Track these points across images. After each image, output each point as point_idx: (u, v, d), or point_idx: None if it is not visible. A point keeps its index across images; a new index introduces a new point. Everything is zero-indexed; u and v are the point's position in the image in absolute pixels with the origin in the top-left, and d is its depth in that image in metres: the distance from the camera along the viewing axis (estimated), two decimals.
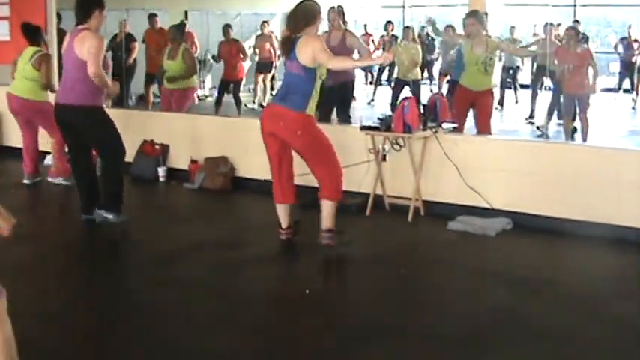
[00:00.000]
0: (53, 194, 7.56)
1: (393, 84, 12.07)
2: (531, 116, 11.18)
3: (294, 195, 5.54)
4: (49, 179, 7.71)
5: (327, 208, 5.37)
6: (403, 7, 14.81)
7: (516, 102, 12.59)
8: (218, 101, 11.29)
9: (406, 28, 11.93)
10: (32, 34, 7.45)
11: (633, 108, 12.36)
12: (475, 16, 7.41)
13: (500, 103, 12.08)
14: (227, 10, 12.30)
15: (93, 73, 5.72)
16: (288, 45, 5.23)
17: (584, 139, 8.95)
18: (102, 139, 6.08)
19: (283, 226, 5.56)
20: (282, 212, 5.54)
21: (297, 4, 5.30)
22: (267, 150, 5.43)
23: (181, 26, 9.43)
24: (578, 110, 9.16)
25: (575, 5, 13.08)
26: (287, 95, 5.26)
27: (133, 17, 11.25)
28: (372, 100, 14.00)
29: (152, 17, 11.17)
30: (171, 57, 8.89)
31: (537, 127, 10.29)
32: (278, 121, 5.25)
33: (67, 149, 6.81)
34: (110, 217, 6.06)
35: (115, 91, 6.30)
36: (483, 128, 7.56)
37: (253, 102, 12.91)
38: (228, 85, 11.36)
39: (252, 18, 11.84)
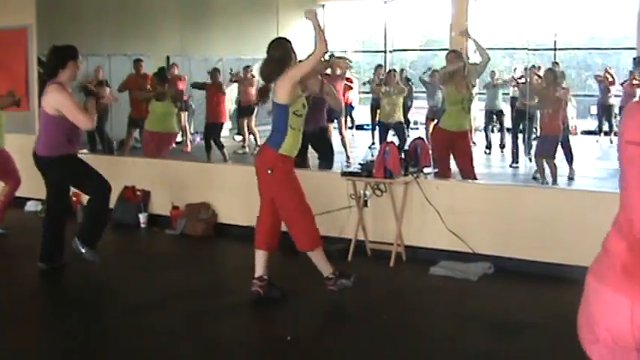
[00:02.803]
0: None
1: (378, 128, 11.98)
2: (515, 161, 10.91)
3: (277, 243, 5.42)
4: None
5: (313, 257, 5.30)
6: (385, 51, 14.92)
7: (503, 146, 12.21)
8: (208, 146, 11.12)
9: (389, 72, 11.97)
10: None
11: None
12: (455, 52, 7.49)
13: (488, 147, 11.97)
14: (209, 55, 12.34)
15: (86, 127, 5.96)
16: (266, 92, 5.32)
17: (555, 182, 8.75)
18: (81, 181, 6.12)
19: (256, 274, 5.38)
20: (260, 259, 5.38)
21: (269, 50, 5.22)
22: (259, 192, 5.34)
23: (162, 71, 9.58)
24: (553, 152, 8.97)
25: (555, 49, 13.21)
26: (270, 134, 5.28)
27: (115, 63, 11.25)
28: (373, 144, 13.45)
29: (137, 62, 11.14)
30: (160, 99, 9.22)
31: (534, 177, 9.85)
32: (257, 160, 5.29)
33: None
34: (84, 250, 5.98)
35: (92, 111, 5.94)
36: (467, 171, 7.55)
37: (243, 147, 12.74)
38: (213, 129, 11.24)
39: (235, 63, 11.87)
